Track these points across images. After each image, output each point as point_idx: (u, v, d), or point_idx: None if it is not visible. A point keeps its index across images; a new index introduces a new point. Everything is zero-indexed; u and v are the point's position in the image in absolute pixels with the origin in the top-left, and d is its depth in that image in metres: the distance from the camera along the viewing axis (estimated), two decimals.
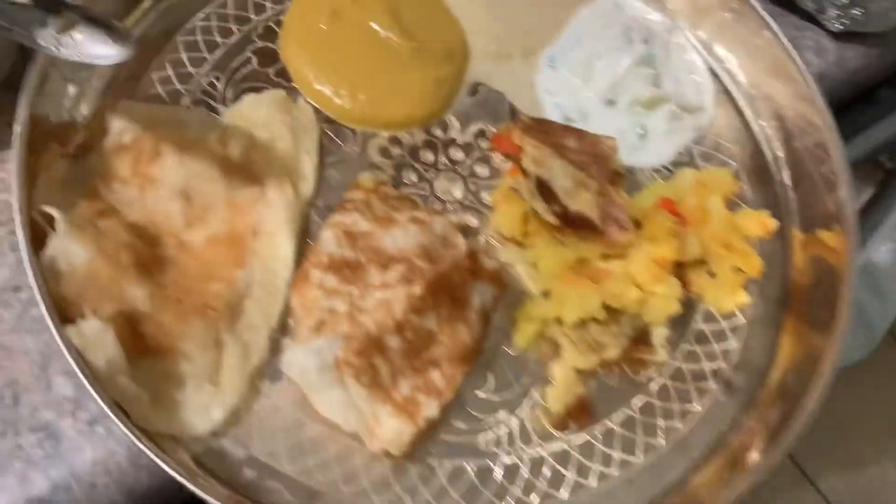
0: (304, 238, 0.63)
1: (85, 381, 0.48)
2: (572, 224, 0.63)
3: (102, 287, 0.53)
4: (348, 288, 0.59)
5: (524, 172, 0.65)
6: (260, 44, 0.71)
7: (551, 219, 0.63)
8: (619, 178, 0.68)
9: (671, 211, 0.65)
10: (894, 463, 1.88)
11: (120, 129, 0.62)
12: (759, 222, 0.69)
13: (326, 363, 0.55)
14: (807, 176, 0.71)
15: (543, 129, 0.67)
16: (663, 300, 0.62)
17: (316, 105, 0.69)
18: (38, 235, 0.54)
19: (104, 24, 0.50)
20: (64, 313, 0.52)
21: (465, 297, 0.57)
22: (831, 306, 0.64)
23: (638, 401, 0.62)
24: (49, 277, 0.51)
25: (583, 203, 0.64)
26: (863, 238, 1.08)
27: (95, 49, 0.49)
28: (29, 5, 0.53)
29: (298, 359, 0.55)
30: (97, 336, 0.50)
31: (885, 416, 1.94)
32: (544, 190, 0.64)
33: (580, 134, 0.67)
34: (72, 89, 0.64)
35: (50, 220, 0.54)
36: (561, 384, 0.60)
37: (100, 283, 0.53)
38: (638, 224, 0.66)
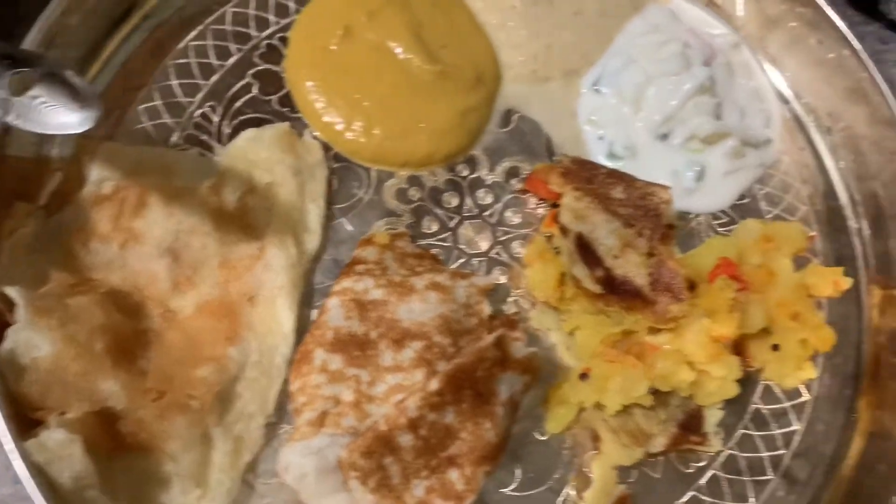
0: (308, 302, 0.56)
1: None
2: (617, 291, 0.55)
3: (70, 383, 0.46)
4: (356, 371, 0.51)
5: (562, 229, 0.56)
6: (262, 66, 0.62)
7: (593, 286, 0.54)
8: (671, 231, 0.58)
9: (732, 276, 0.56)
10: None
11: (100, 176, 0.54)
12: (831, 281, 0.60)
13: (328, 464, 0.48)
14: (889, 221, 0.62)
15: (586, 175, 0.58)
16: (720, 382, 0.54)
17: (325, 140, 0.61)
18: None
19: (67, 84, 0.41)
20: (26, 415, 0.45)
21: (491, 390, 0.49)
22: None
23: (686, 497, 0.54)
24: (8, 375, 0.44)
25: (630, 267, 0.55)
26: None
27: (56, 117, 0.41)
28: None
29: (295, 460, 0.48)
30: (62, 448, 0.43)
31: None
32: (585, 249, 0.55)
33: (629, 182, 0.58)
34: None
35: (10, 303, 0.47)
36: (599, 485, 0.52)
37: (67, 378, 0.46)
38: (692, 285, 0.57)
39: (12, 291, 0.46)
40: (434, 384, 0.48)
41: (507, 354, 0.50)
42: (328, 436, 0.49)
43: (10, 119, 0.41)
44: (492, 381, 0.49)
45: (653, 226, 0.56)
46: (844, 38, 0.63)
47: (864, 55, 0.62)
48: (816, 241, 0.63)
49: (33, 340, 0.45)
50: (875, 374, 0.58)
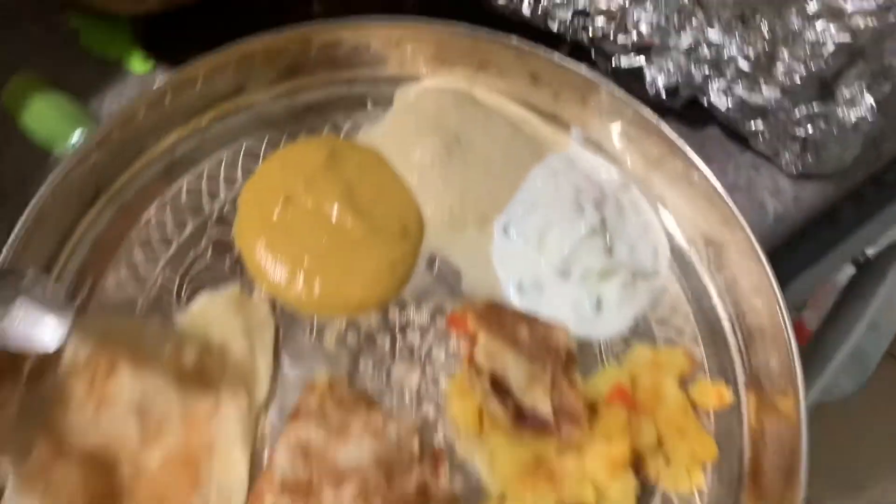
0: (260, 444, 0.64)
1: None
2: (526, 421, 0.64)
3: None
4: None
5: (477, 369, 0.65)
6: (215, 233, 0.71)
7: (504, 420, 0.63)
8: (572, 362, 0.68)
9: (625, 401, 0.66)
10: (894, 487, 1.89)
11: (75, 348, 0.63)
12: (716, 395, 0.70)
13: None
14: (757, 336, 0.72)
15: (497, 318, 0.68)
16: (620, 497, 0.63)
17: (272, 294, 0.70)
18: None
19: (45, 303, 0.50)
20: None
21: None
22: (789, 476, 0.64)
23: None
24: None
25: (536, 399, 0.65)
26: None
27: (33, 334, 0.50)
28: None
29: None
30: None
31: (882, 443, 1.94)
32: (498, 385, 0.65)
33: (532, 324, 0.68)
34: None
35: None
36: None
37: None
38: (593, 409, 0.67)
39: (3, 459, 0.54)
40: None
41: (429, 498, 0.59)
42: None
43: None
44: None
45: (554, 361, 0.66)
46: (712, 185, 0.73)
47: (727, 198, 0.72)
48: (700, 354, 0.72)
49: None
50: (755, 473, 0.68)
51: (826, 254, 0.93)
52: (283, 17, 0.74)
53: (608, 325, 0.73)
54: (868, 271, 1.11)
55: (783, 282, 0.88)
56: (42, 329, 0.50)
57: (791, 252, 0.86)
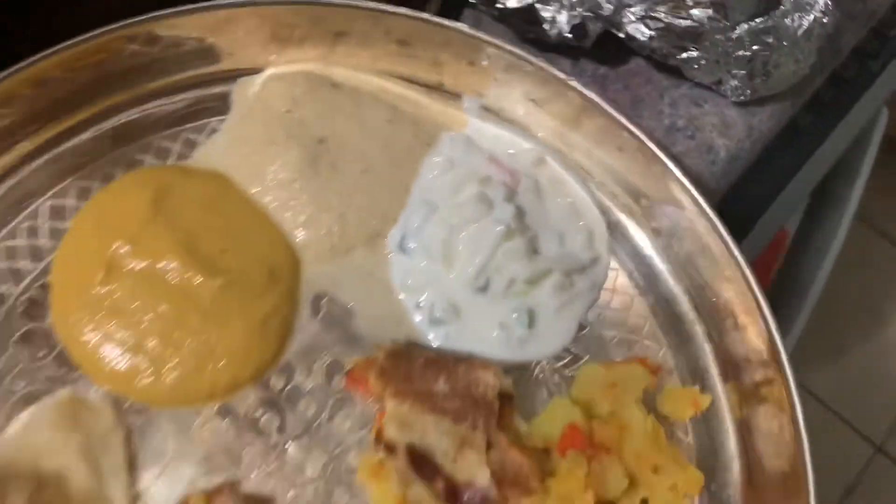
0: None
1: None
2: (463, 499, 0.50)
3: None
4: None
5: (389, 447, 0.51)
6: (25, 326, 0.55)
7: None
8: (509, 407, 0.54)
9: (581, 445, 0.52)
10: (874, 348, 1.84)
11: None
12: (690, 401, 0.56)
13: None
14: (725, 315, 0.58)
15: (404, 371, 0.53)
16: None
17: (114, 390, 0.54)
18: None
19: None
20: None
21: None
22: (793, 478, 0.52)
23: None
24: None
25: (471, 468, 0.50)
26: None
27: None
28: None
29: None
30: None
31: (863, 305, 1.84)
32: (420, 461, 0.51)
33: (451, 370, 0.53)
34: None
35: None
36: None
37: None
38: (546, 453, 0.53)
39: None
40: None
41: None
42: None
43: None
44: None
45: (486, 413, 0.52)
46: (643, 143, 0.58)
47: (667, 161, 0.57)
48: (664, 355, 0.59)
49: None
50: (753, 480, 0.55)
51: (788, 182, 0.78)
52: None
53: (548, 341, 0.58)
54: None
55: (744, 228, 0.74)
56: None
57: (746, 188, 0.72)
